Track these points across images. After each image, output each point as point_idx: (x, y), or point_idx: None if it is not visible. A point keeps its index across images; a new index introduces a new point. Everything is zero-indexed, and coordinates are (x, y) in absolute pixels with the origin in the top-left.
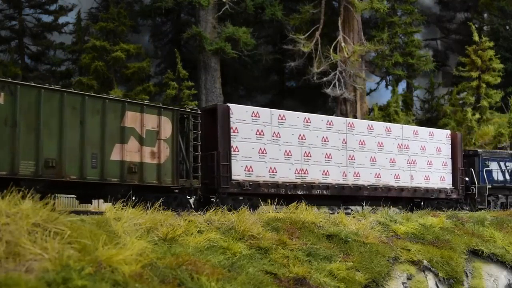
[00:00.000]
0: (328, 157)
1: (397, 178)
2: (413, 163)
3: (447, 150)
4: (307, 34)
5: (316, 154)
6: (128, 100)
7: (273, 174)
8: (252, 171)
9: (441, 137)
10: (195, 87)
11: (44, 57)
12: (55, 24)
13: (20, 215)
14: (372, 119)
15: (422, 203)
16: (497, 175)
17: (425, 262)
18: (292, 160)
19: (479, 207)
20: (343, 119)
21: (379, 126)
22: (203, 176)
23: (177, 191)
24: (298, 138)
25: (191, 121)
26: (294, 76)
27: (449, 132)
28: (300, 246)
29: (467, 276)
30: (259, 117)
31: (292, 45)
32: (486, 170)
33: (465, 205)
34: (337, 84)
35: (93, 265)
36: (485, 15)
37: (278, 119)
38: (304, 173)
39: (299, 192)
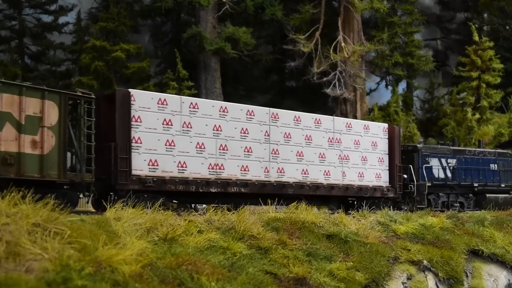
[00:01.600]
0: (248, 151)
1: (327, 175)
2: (346, 159)
3: (384, 145)
4: (307, 34)
5: (234, 147)
6: (3, 80)
7: (183, 169)
8: (157, 165)
9: (378, 131)
10: (195, 87)
11: (44, 57)
12: (55, 24)
13: (20, 215)
14: (372, 119)
15: (355, 203)
16: (438, 172)
17: (425, 262)
18: (205, 154)
19: (418, 206)
20: (265, 109)
21: (307, 117)
22: (100, 170)
23: (67, 186)
24: (213, 129)
25: (84, 106)
26: (294, 76)
27: (386, 125)
28: (300, 246)
29: (467, 276)
30: (166, 105)
31: (292, 45)
32: (426, 167)
33: (403, 204)
34: (337, 84)
35: (93, 265)
36: (485, 15)
37: (190, 107)
38: (220, 169)
39: (213, 190)
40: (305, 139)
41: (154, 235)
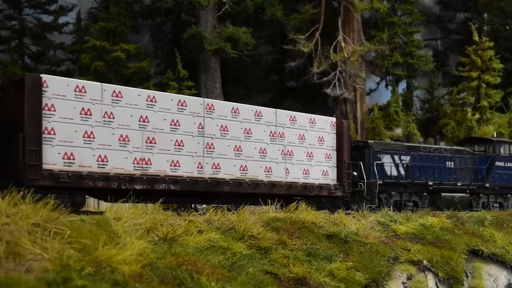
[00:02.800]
0: (179, 145)
1: (268, 171)
2: (289, 155)
3: (331, 140)
4: (307, 34)
5: (162, 140)
6: None
7: (103, 164)
8: (73, 159)
9: (325, 125)
10: (195, 87)
11: (44, 57)
12: (55, 24)
13: (20, 215)
14: (372, 119)
15: (300, 202)
16: (390, 170)
17: (425, 262)
18: (130, 147)
19: (368, 205)
20: (199, 99)
21: (246, 109)
22: (7, 164)
23: None
24: (139, 121)
25: None
26: (294, 76)
27: (334, 119)
28: (300, 246)
29: (467, 276)
30: (85, 92)
31: (292, 45)
32: (377, 164)
33: (352, 203)
34: (337, 84)
35: (93, 265)
36: (485, 15)
37: (112, 96)
38: (146, 164)
39: (138, 187)
40: (244, 133)
41: (154, 235)
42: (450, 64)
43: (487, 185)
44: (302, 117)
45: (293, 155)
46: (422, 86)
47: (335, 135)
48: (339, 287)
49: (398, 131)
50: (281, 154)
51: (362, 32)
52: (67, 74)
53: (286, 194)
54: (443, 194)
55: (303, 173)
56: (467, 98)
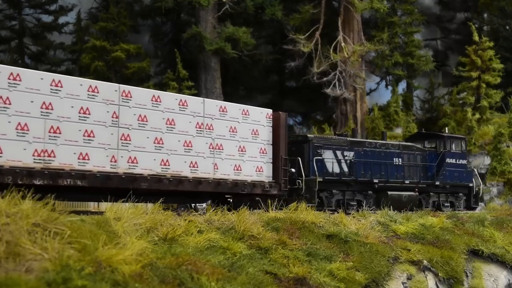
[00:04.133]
0: (89, 136)
1: (194, 167)
2: (219, 149)
3: (267, 133)
4: (307, 34)
5: (69, 130)
6: None
7: None
8: None
9: (259, 117)
10: (195, 87)
11: (44, 57)
12: (55, 24)
13: (20, 215)
14: (372, 119)
15: (231, 200)
16: (332, 166)
17: (425, 262)
18: (29, 137)
19: (307, 205)
20: (114, 85)
21: (170, 98)
22: None
23: None
24: (41, 108)
25: None
26: (294, 76)
27: (270, 111)
28: (300, 246)
29: (467, 276)
30: None
31: (292, 45)
32: (317, 160)
33: (291, 202)
34: (337, 84)
35: (93, 265)
36: (485, 15)
37: (9, 79)
38: (49, 156)
39: (37, 182)
40: (166, 124)
41: (154, 235)
42: (450, 64)
43: (437, 183)
44: (234, 108)
45: (223, 149)
46: (422, 86)
47: (271, 128)
48: (339, 287)
49: (398, 131)
50: (209, 148)
51: (362, 32)
52: (67, 74)
53: (214, 192)
54: (389, 192)
55: (234, 169)
56: (467, 98)
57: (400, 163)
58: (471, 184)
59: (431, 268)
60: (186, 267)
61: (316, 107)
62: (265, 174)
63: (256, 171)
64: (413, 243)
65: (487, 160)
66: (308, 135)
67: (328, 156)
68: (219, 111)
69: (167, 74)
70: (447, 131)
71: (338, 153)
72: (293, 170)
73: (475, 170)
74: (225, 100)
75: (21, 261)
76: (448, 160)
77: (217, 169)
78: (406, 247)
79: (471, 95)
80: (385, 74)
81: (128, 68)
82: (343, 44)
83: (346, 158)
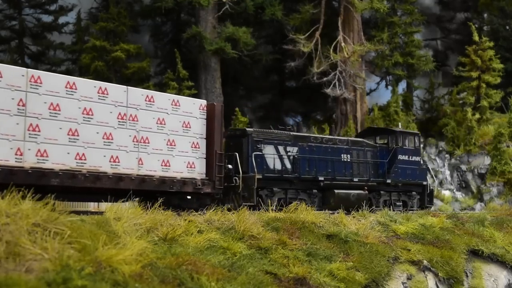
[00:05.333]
0: None
1: (115, 161)
2: (144, 142)
3: (200, 126)
4: (307, 34)
5: None
6: None
7: None
8: None
9: (192, 108)
10: (195, 87)
11: (44, 57)
12: (55, 24)
13: (20, 215)
14: (372, 119)
15: (160, 199)
16: (274, 163)
17: (425, 262)
18: None
19: (243, 204)
20: (21, 69)
21: (87, 85)
22: None
23: None
24: None
25: None
26: (294, 76)
27: (204, 102)
28: (300, 246)
29: (467, 276)
30: None
31: (292, 45)
32: (257, 156)
33: (227, 201)
34: (337, 84)
35: (93, 265)
36: (485, 15)
37: None
38: None
39: None
40: (83, 113)
41: (154, 235)
42: (450, 64)
43: (388, 181)
44: (163, 98)
45: (149, 143)
46: (422, 86)
47: (205, 120)
48: (339, 287)
49: None
50: (133, 141)
51: (362, 32)
52: (67, 74)
53: (137, 189)
54: (336, 191)
55: (161, 165)
56: (467, 98)
57: (348, 160)
58: (425, 183)
59: (431, 268)
60: (186, 267)
61: (316, 107)
62: (198, 171)
63: (187, 167)
64: (413, 243)
65: (487, 160)
66: (247, 129)
67: (269, 151)
68: (145, 100)
69: (167, 74)
70: (400, 126)
71: (280, 148)
72: (230, 166)
73: (429, 167)
74: (225, 100)
75: (21, 261)
76: (401, 157)
77: (142, 164)
78: (406, 247)
79: (471, 95)
80: (385, 74)
81: (128, 68)
82: (343, 44)
83: (289, 153)
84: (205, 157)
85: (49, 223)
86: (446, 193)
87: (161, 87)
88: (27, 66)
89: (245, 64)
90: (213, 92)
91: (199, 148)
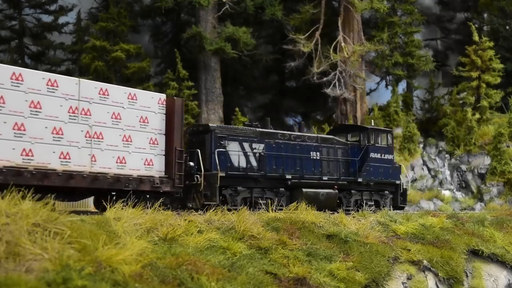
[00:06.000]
0: None
1: (65, 158)
2: (98, 138)
3: (159, 122)
4: (307, 34)
5: None
6: None
7: None
8: None
9: (150, 102)
10: (195, 87)
11: (44, 57)
12: (55, 24)
13: (20, 215)
14: (372, 119)
15: (114, 198)
16: (238, 160)
17: (425, 262)
18: None
19: (205, 203)
20: None
21: (35, 76)
22: None
23: None
24: None
25: None
26: (294, 76)
27: (163, 96)
28: (300, 246)
29: (467, 276)
30: None
31: (292, 45)
32: (220, 153)
33: (189, 201)
34: (337, 84)
35: (93, 265)
36: (485, 15)
37: None
38: None
39: None
40: (30, 107)
41: (154, 235)
42: (450, 64)
43: (359, 180)
44: (118, 91)
45: (103, 139)
46: (422, 86)
47: (164, 115)
48: (339, 287)
49: (398, 131)
50: (86, 137)
51: (362, 32)
52: (67, 74)
53: (90, 187)
54: (304, 190)
55: (117, 162)
56: (467, 98)
57: (317, 158)
58: (398, 182)
59: (431, 268)
60: (186, 267)
61: (316, 107)
62: (156, 168)
63: (144, 164)
64: (413, 243)
65: (487, 160)
66: (210, 124)
67: (233, 148)
68: (99, 94)
69: (167, 74)
70: (373, 124)
71: (246, 145)
72: (191, 163)
73: (402, 165)
74: (225, 100)
75: (21, 261)
76: (372, 155)
77: (95, 161)
78: (406, 247)
79: (471, 95)
80: (385, 74)
81: (128, 68)
82: (343, 44)
83: (255, 151)
84: (164, 154)
85: (49, 223)
86: (446, 193)
87: (161, 87)
88: (27, 66)
89: (245, 64)
90: (213, 92)
91: (157, 144)
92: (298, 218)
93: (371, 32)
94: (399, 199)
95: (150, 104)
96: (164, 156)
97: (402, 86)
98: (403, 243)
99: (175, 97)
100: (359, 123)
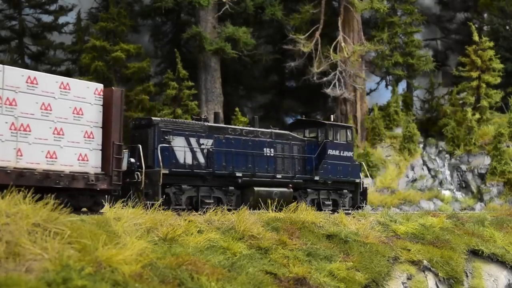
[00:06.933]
0: None
1: None
2: (25, 130)
3: (95, 114)
4: (307, 34)
5: None
6: None
7: None
8: None
9: (85, 93)
10: (195, 87)
11: (44, 57)
12: (55, 24)
13: (20, 215)
14: (372, 119)
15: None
16: (184, 156)
17: (425, 262)
18: None
19: (147, 202)
20: None
21: None
22: None
23: None
24: None
25: None
26: (294, 76)
27: (100, 86)
28: (300, 246)
29: (467, 276)
30: None
31: (292, 45)
32: (163, 148)
33: (129, 200)
34: (337, 84)
35: (93, 265)
36: (485, 15)
37: None
38: None
39: None
40: None
41: (154, 235)
42: (450, 64)
43: (316, 178)
44: (48, 80)
45: (30, 131)
46: (422, 86)
47: (101, 107)
48: (339, 287)
49: (398, 131)
50: (10, 129)
51: (362, 32)
52: (67, 74)
53: (15, 185)
54: (256, 188)
55: (46, 157)
56: (467, 98)
57: (271, 154)
58: (357, 180)
59: (431, 268)
60: (186, 267)
61: (316, 107)
62: (92, 164)
63: (78, 160)
64: (413, 243)
65: (487, 160)
66: (154, 118)
67: (178, 143)
68: (26, 82)
69: (167, 74)
70: (332, 119)
71: (193, 140)
72: (132, 160)
73: (363, 163)
74: (225, 100)
75: (21, 261)
76: (331, 152)
77: (21, 156)
78: (406, 247)
79: (471, 95)
80: (385, 74)
81: (128, 68)
82: (343, 44)
83: (202, 146)
84: (101, 148)
85: (49, 223)
86: (446, 193)
87: (161, 87)
88: (27, 66)
89: (245, 64)
90: (213, 92)
91: (93, 138)
92: (298, 218)
93: (371, 32)
94: (359, 198)
95: (86, 94)
96: (100, 151)
97: (402, 86)
98: (403, 243)
99: (113, 88)
100: (359, 123)
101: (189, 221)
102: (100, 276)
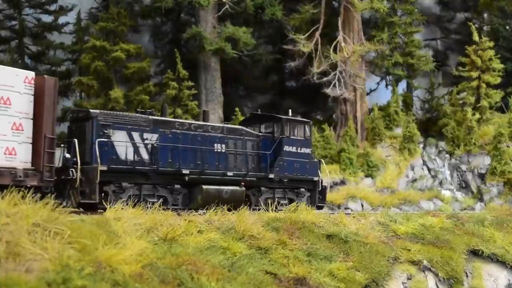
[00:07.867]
0: None
1: None
2: None
3: (25, 104)
4: (307, 34)
5: None
6: None
7: None
8: None
9: (13, 81)
10: (195, 87)
11: (44, 57)
12: (55, 24)
13: (20, 215)
14: (372, 119)
15: None
16: (126, 152)
17: (425, 262)
18: None
19: (82, 201)
20: None
21: None
22: None
23: None
24: None
25: None
26: (294, 76)
27: (31, 74)
28: (300, 246)
29: (467, 276)
30: None
31: (292, 45)
32: (102, 143)
33: (64, 198)
34: (337, 84)
35: (93, 265)
36: (485, 15)
37: None
38: None
39: None
40: None
41: (154, 235)
42: (450, 64)
43: (271, 176)
44: None
45: None
46: (422, 86)
47: (32, 97)
48: (339, 287)
49: (398, 131)
50: None
51: (362, 32)
52: (67, 74)
53: None
54: (204, 186)
55: None
56: (467, 98)
57: (222, 151)
58: (316, 178)
59: (431, 268)
60: (186, 267)
61: (316, 107)
62: (20, 159)
63: (5, 154)
64: (413, 243)
65: (487, 160)
66: (92, 110)
67: (119, 138)
68: None
69: (167, 74)
70: (290, 114)
71: (135, 135)
72: (67, 155)
73: (322, 161)
74: (225, 100)
75: (21, 261)
76: (287, 148)
77: None
78: (406, 247)
79: (471, 95)
80: (385, 74)
81: (128, 68)
82: (343, 44)
83: (146, 141)
84: (31, 142)
85: (49, 223)
86: (446, 193)
87: (161, 87)
88: (27, 66)
89: (245, 64)
90: (213, 92)
91: (22, 130)
92: (298, 218)
93: (371, 32)
94: (318, 198)
95: (14, 82)
96: (31, 145)
97: (402, 86)
98: (403, 243)
99: (46, 76)
100: (359, 123)
101: (189, 221)
102: (100, 276)
